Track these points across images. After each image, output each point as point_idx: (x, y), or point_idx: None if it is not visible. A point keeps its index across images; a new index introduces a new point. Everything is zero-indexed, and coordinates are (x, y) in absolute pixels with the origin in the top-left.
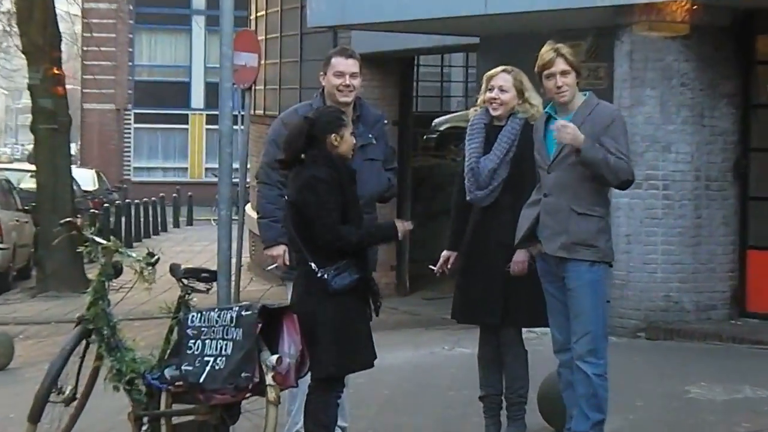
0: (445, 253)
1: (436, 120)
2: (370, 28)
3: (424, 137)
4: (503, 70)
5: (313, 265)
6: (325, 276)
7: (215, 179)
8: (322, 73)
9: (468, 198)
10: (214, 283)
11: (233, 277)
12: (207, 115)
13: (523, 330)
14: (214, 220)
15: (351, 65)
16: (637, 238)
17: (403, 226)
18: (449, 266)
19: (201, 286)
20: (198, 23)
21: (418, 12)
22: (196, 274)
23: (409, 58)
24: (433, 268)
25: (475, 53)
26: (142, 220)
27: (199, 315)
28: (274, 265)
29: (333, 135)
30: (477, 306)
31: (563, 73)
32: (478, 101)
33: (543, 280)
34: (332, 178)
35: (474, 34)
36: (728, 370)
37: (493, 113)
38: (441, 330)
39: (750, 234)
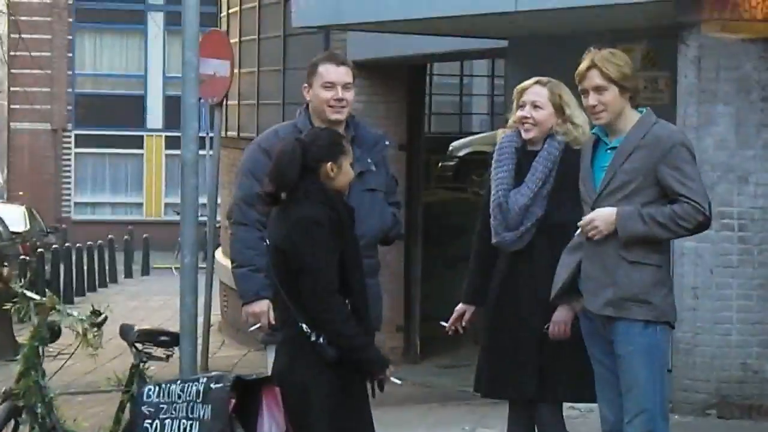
0: (459, 306)
1: (455, 143)
2: (371, 29)
3: (440, 165)
4: (537, 82)
5: (304, 326)
6: (320, 341)
7: (177, 218)
8: (306, 84)
9: (494, 241)
10: (176, 348)
11: (200, 341)
12: (167, 136)
13: (564, 406)
14: (176, 268)
15: (343, 74)
16: (706, 291)
17: (390, 373)
18: (464, 323)
19: (159, 352)
20: (155, 21)
21: (430, 9)
22: (153, 337)
23: (421, 66)
24: (444, 324)
25: (502, 60)
26: (85, 268)
27: (157, 389)
28: (257, 326)
29: (329, 164)
30: (507, 376)
31: (597, 89)
32: (509, 121)
33: (588, 344)
34: (330, 218)
35: (501, 36)
36: None
37: (525, 135)
38: (460, 405)
39: None
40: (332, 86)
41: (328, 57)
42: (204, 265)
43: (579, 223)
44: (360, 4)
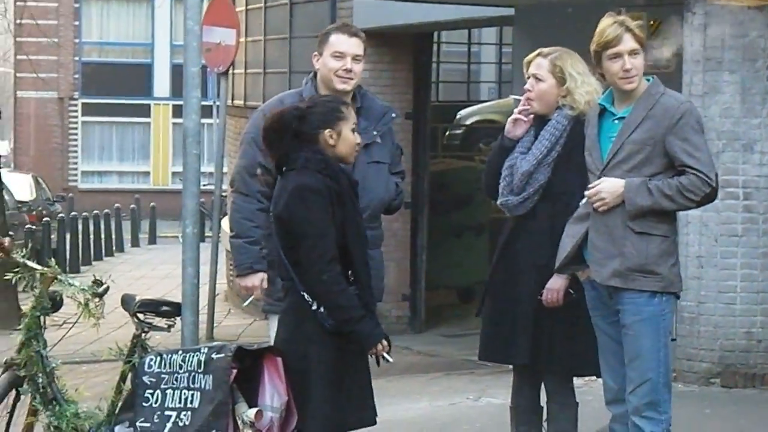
0: None
1: (462, 112)
2: None
3: (447, 133)
4: (538, 54)
5: (306, 295)
6: (321, 309)
7: None
8: (316, 53)
9: (499, 202)
10: (179, 319)
11: (205, 310)
12: (174, 105)
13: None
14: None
15: (354, 45)
16: (710, 260)
17: (383, 348)
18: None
19: (161, 322)
20: None
21: None
22: (154, 307)
23: (428, 34)
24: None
25: (510, 27)
26: (92, 237)
27: (158, 359)
28: (250, 299)
29: (328, 131)
30: (499, 340)
31: (632, 52)
32: None
33: (593, 314)
34: (329, 188)
35: (508, 4)
36: None
37: (531, 108)
38: (464, 375)
39: None
40: (342, 56)
41: (341, 27)
42: (211, 234)
43: (586, 194)
44: None
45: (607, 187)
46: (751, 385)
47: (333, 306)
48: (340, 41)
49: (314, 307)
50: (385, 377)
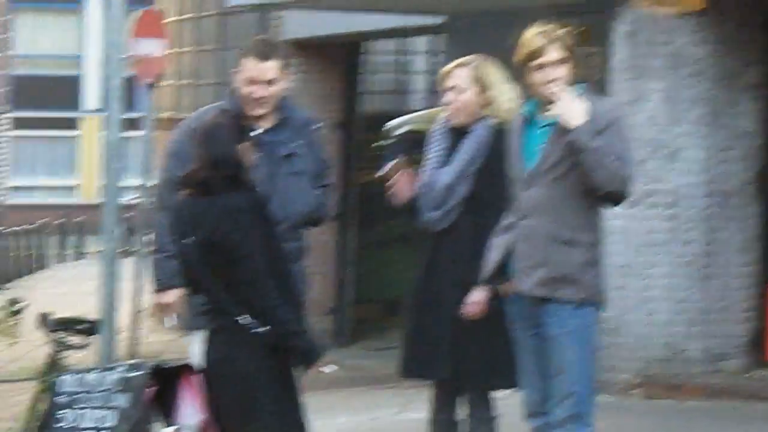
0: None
1: (392, 122)
2: (306, 6)
3: (377, 144)
4: (458, 65)
5: (240, 319)
6: (260, 330)
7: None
8: (236, 69)
9: (423, 220)
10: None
11: (129, 327)
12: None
13: None
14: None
15: (266, 70)
16: (633, 269)
17: (318, 366)
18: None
19: (77, 340)
20: (92, 2)
21: None
22: (70, 324)
23: (357, 44)
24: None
25: (441, 36)
26: (20, 253)
27: (73, 378)
28: (169, 320)
29: None
30: (422, 356)
31: (557, 62)
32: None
33: (513, 327)
34: (253, 204)
35: (439, 12)
36: None
37: (453, 120)
38: (387, 389)
39: None
40: (254, 82)
41: (255, 49)
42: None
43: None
44: None
45: (570, 102)
46: (672, 396)
47: (276, 321)
48: (251, 67)
49: (254, 329)
50: (306, 393)
